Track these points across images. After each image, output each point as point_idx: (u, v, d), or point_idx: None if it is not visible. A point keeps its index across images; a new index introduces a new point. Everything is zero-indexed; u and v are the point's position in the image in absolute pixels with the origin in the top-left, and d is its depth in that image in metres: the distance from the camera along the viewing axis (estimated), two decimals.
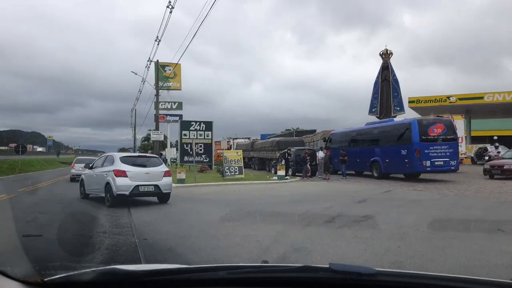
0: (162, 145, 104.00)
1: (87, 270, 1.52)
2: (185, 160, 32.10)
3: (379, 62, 31.90)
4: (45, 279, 1.46)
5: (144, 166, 11.58)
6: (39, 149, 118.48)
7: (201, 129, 32.60)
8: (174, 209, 10.82)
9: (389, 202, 11.47)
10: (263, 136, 52.80)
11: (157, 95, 32.10)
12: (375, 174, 20.59)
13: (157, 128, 31.89)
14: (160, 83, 50.53)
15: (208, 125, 33.08)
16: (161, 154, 26.05)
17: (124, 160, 11.52)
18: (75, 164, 22.44)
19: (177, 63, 53.04)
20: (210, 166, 32.18)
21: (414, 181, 18.39)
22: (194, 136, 31.39)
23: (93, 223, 8.12)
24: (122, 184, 10.73)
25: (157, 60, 33.23)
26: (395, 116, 28.34)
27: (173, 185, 12.31)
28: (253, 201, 12.41)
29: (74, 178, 19.84)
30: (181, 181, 17.99)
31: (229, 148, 48.14)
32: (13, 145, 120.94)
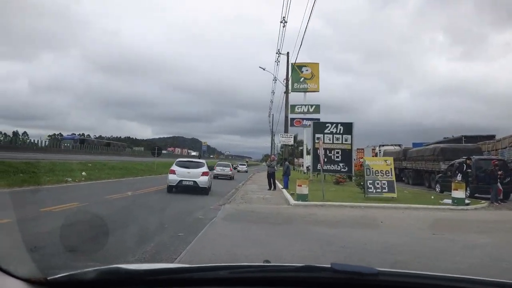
0: (300, 153, 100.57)
1: (90, 269, 1.47)
2: (318, 168, 26.84)
3: None
4: (48, 278, 1.46)
5: (188, 167, 15.91)
6: (193, 153, 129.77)
7: (338, 132, 26.90)
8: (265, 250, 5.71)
9: None
10: (416, 145, 43.76)
11: (286, 92, 27.79)
12: None
13: (286, 131, 27.61)
14: (296, 85, 46.99)
15: (347, 128, 27.17)
16: (285, 160, 21.31)
17: (177, 163, 16.46)
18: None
19: (315, 63, 48.73)
20: (349, 177, 26.26)
21: None
22: (329, 140, 25.96)
23: None
24: (171, 179, 15.57)
25: (291, 59, 28.94)
26: None
27: (293, 202, 12.84)
28: (430, 256, 6.27)
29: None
30: (302, 197, 12.79)
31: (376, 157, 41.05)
32: (171, 148, 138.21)
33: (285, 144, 28.00)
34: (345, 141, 26.70)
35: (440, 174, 21.08)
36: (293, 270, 1.59)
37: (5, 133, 56.04)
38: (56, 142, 64.46)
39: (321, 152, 15.56)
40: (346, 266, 1.45)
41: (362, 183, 17.45)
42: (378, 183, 14.49)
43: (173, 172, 15.64)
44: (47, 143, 55.33)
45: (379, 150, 39.31)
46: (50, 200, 11.04)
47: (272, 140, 67.31)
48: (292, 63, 32.90)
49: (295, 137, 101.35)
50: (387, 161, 15.31)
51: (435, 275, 1.56)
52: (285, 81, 28.09)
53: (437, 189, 20.43)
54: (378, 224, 9.13)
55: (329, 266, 1.46)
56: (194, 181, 15.37)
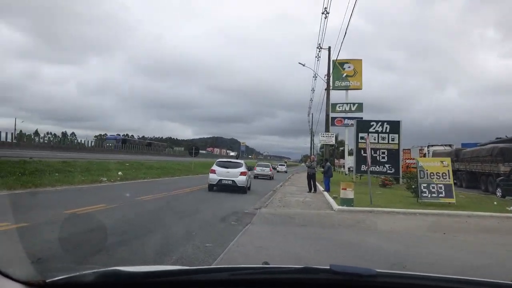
0: (342, 152, 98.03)
1: (89, 271, 1.47)
2: (362, 169, 25.23)
3: None
4: (47, 281, 1.44)
5: (227, 167, 16.77)
6: (232, 153, 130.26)
7: (384, 131, 25.15)
8: None
9: None
10: (466, 145, 40.44)
11: (327, 89, 26.31)
12: None
13: (327, 130, 26.16)
14: (337, 82, 45.20)
15: (394, 126, 25.35)
16: (326, 160, 19.95)
17: (217, 163, 17.28)
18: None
19: (357, 59, 46.72)
20: (396, 179, 24.42)
21: None
22: (375, 139, 24.28)
23: None
24: (212, 178, 16.44)
25: (332, 57, 27.48)
26: None
27: (337, 207, 11.50)
28: None
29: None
30: (346, 202, 11.47)
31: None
32: (210, 149, 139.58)
33: (325, 144, 26.51)
34: (392, 140, 24.89)
35: (501, 177, 18.87)
36: (293, 271, 1.58)
37: (54, 134, 58.67)
38: (100, 142, 66.36)
39: (368, 152, 14.12)
40: (345, 268, 1.44)
41: (413, 186, 15.83)
42: (433, 187, 12.87)
43: (214, 171, 16.65)
44: (93, 143, 56.89)
45: (428, 151, 36.73)
46: (79, 201, 10.52)
47: (312, 140, 65.67)
48: (333, 60, 31.91)
49: (335, 137, 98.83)
50: (443, 162, 13.61)
51: (433, 276, 1.55)
52: (326, 78, 26.59)
53: (498, 194, 18.31)
54: (442, 237, 7.72)
55: (328, 267, 1.45)
56: (233, 180, 16.29)
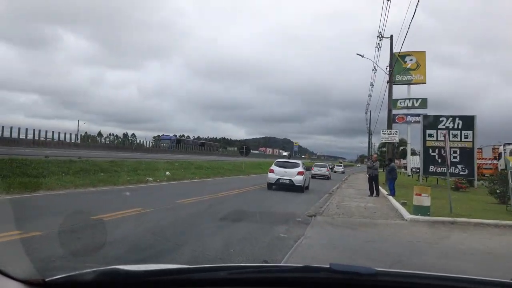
0: (402, 152, 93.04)
1: (88, 270, 1.44)
2: (430, 170, 22.59)
3: None
4: (46, 279, 1.43)
5: (285, 167, 17.49)
6: (284, 153, 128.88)
7: (455, 127, 22.26)
8: None
9: None
10: None
11: (390, 82, 23.88)
12: None
13: (389, 127, 23.71)
14: (398, 76, 42.32)
15: (468, 122, 22.37)
16: (390, 160, 17.71)
17: (276, 163, 18.08)
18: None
19: (421, 51, 43.16)
20: (469, 182, 21.46)
21: None
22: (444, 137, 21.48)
23: None
24: (271, 177, 17.25)
25: (392, 49, 25.01)
26: None
27: (409, 216, 9.62)
28: None
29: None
30: (421, 210, 9.44)
31: (497, 158, 34.22)
32: (262, 149, 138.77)
33: (387, 142, 24.06)
34: (465, 138, 21.93)
35: None
36: (292, 270, 1.60)
37: (116, 135, 60.97)
38: (156, 142, 68.05)
39: (447, 150, 11.93)
40: (344, 267, 1.44)
41: (498, 191, 13.34)
42: None
43: (272, 171, 17.34)
44: (151, 143, 58.53)
45: (504, 150, 32.62)
46: (114, 204, 9.62)
47: (369, 139, 62.32)
48: (394, 53, 29.66)
49: None
50: None
51: (434, 275, 1.54)
52: (387, 69, 24.15)
53: None
54: None
55: (328, 266, 1.44)
56: (290, 180, 16.80)
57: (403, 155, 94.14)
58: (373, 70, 32.16)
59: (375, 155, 16.61)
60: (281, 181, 16.83)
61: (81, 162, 16.91)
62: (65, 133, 35.64)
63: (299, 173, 16.98)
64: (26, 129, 31.00)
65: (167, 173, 19.55)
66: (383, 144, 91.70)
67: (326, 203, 12.80)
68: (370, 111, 58.28)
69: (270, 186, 17.13)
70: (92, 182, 13.22)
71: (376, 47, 24.85)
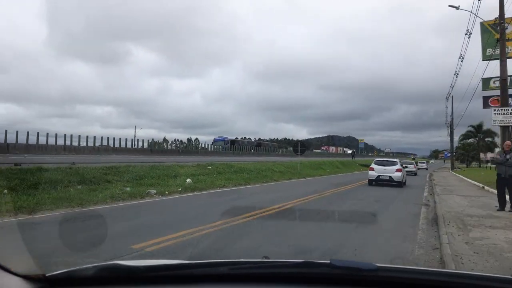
0: (487, 146, 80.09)
1: (89, 265, 1.45)
2: None
3: None
4: (47, 275, 1.43)
5: (384, 165, 19.36)
6: (349, 151, 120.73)
7: None
8: None
9: None
10: None
11: (501, 38, 16.65)
12: None
13: (505, 103, 16.47)
14: (489, 51, 34.43)
15: None
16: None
17: (375, 162, 20.07)
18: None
19: None
20: None
21: None
22: None
23: None
24: (371, 174, 19.15)
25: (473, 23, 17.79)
26: None
27: None
28: None
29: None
30: None
31: None
32: (325, 147, 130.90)
33: (504, 126, 16.68)
34: None
35: None
36: (293, 265, 1.55)
37: (181, 140, 62.03)
38: (210, 145, 64.88)
39: None
40: (345, 262, 1.43)
41: None
42: None
43: (372, 169, 19.21)
44: (207, 146, 56.19)
45: None
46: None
47: (451, 131, 53.05)
48: (481, 22, 23.89)
49: (479, 126, 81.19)
50: None
51: (435, 270, 1.57)
52: (496, 21, 16.98)
53: None
54: None
55: (328, 262, 1.43)
56: (390, 176, 18.40)
57: (489, 148, 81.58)
58: (466, 35, 24.58)
59: (509, 142, 9.79)
60: (381, 177, 18.52)
61: (71, 169, 12.14)
62: (126, 140, 35.84)
63: (398, 170, 18.73)
64: (79, 136, 30.96)
65: (188, 180, 14.39)
66: (464, 136, 79.79)
67: (441, 234, 6.60)
68: (452, 96, 48.85)
69: (370, 182, 18.90)
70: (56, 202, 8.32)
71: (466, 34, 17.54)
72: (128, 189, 11.28)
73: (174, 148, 48.42)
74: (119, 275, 1.44)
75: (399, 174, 18.50)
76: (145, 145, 36.63)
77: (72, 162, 13.93)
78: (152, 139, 44.78)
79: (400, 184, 18.43)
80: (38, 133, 27.02)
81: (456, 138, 72.86)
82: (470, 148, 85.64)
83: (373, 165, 19.40)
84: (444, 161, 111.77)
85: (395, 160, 20.82)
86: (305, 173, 25.81)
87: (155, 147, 40.84)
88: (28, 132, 26.32)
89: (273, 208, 9.41)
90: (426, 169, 51.35)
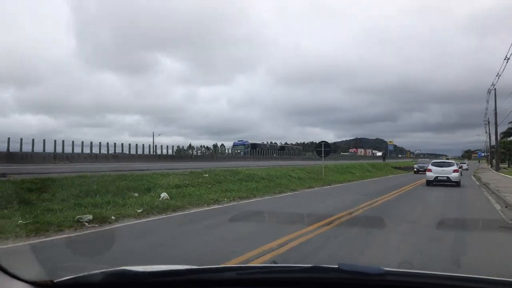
0: None
1: (96, 271, 1.44)
2: None
3: None
4: (55, 281, 1.43)
5: (441, 166, 20.08)
6: (378, 153, 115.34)
7: None
8: None
9: None
10: None
11: None
12: None
13: None
14: None
15: None
16: None
17: (432, 163, 21.09)
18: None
19: None
20: None
21: None
22: None
23: None
24: (429, 175, 19.88)
25: None
26: None
27: None
28: None
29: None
30: None
31: None
32: (353, 150, 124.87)
33: None
34: None
35: None
36: (301, 270, 1.55)
37: (207, 146, 61.80)
38: (228, 149, 61.32)
39: None
40: (353, 266, 1.41)
41: None
42: None
43: (430, 170, 20.14)
44: (232, 152, 54.25)
45: None
46: None
47: (495, 127, 46.96)
48: None
49: None
50: None
51: (443, 274, 1.52)
52: None
53: None
54: None
55: (337, 266, 1.42)
56: (447, 177, 19.16)
57: None
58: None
59: None
60: (439, 178, 19.23)
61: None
62: (149, 146, 34.80)
63: (455, 171, 19.46)
64: (82, 142, 28.50)
65: (163, 195, 10.26)
66: (504, 134, 72.29)
67: None
68: (495, 88, 42.79)
69: (428, 183, 19.60)
70: None
71: None
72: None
73: (199, 154, 47.03)
74: (126, 281, 1.43)
75: (456, 174, 19.25)
76: (169, 151, 35.93)
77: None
78: (178, 146, 43.54)
79: (458, 184, 19.13)
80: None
81: (493, 137, 65.96)
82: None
83: (430, 167, 20.50)
84: (479, 161, 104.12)
85: (451, 161, 22.05)
86: (330, 179, 21.25)
87: (180, 154, 39.50)
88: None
89: (279, 240, 5.11)
90: (467, 169, 49.52)
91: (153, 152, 36.16)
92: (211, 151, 60.87)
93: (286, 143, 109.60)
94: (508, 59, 30.53)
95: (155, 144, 37.21)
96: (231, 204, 10.71)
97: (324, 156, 22.64)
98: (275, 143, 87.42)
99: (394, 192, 15.20)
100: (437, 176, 19.19)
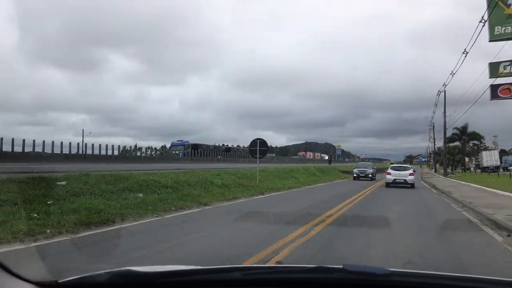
0: (477, 148, 73.62)
1: (101, 272, 1.43)
2: None
3: None
4: (59, 281, 1.42)
5: (399, 170, 22.86)
6: (326, 157, 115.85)
7: None
8: None
9: None
10: None
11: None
12: None
13: None
14: (498, 29, 29.28)
15: None
16: None
17: (391, 167, 23.97)
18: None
19: None
20: None
21: None
22: None
23: None
24: (388, 178, 22.16)
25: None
26: None
27: None
28: None
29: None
30: None
31: None
32: (302, 153, 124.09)
33: None
34: None
35: None
36: (306, 271, 1.54)
37: (155, 148, 56.31)
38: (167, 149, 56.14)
39: None
40: (358, 267, 1.40)
41: None
42: None
43: (389, 173, 22.33)
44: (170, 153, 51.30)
45: None
46: None
47: (444, 132, 45.98)
48: None
49: (464, 128, 74.81)
50: None
51: (448, 275, 1.51)
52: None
53: None
54: None
55: (341, 267, 1.40)
56: (404, 180, 21.55)
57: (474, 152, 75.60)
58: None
59: None
60: (397, 180, 21.56)
61: None
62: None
63: (411, 174, 22.17)
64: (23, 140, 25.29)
65: None
66: (448, 139, 73.28)
67: None
68: (445, 92, 41.60)
69: (388, 184, 21.79)
70: None
71: None
72: None
73: (144, 155, 42.76)
74: (131, 281, 1.42)
75: (412, 177, 21.98)
76: (116, 152, 33.57)
77: None
78: (124, 146, 38.83)
79: (412, 186, 21.76)
80: None
81: (438, 143, 66.64)
82: (456, 152, 79.65)
83: (389, 170, 22.80)
84: (421, 166, 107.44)
85: (408, 165, 25.44)
86: (266, 185, 17.27)
87: (126, 154, 36.44)
88: None
89: None
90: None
91: (83, 152, 31.78)
92: (159, 151, 55.65)
93: (238, 146, 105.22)
94: (454, 74, 30.62)
95: (104, 144, 32.80)
96: (125, 225, 6.29)
97: (260, 157, 18.67)
98: (223, 144, 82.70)
99: (341, 205, 11.47)
100: (395, 179, 21.63)
